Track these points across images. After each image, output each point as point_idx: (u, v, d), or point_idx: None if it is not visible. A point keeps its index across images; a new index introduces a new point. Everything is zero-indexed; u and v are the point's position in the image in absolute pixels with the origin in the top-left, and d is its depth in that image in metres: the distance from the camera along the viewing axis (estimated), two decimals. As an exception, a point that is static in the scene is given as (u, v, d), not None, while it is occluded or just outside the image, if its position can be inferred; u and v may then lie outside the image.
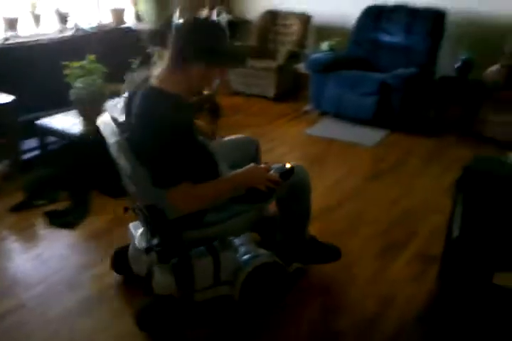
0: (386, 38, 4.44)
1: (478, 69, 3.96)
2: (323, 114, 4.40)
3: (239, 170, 1.77)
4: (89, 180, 2.99)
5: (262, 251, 2.01)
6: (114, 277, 2.20)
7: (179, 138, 1.60)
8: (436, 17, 4.20)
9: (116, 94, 3.35)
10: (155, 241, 1.79)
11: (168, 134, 1.58)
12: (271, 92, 4.80)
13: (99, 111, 3.03)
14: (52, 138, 3.19)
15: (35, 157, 3.20)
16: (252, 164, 1.80)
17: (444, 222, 2.04)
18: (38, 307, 2.02)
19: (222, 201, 1.79)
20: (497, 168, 1.72)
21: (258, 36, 5.15)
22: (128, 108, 1.75)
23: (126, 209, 1.98)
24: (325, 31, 5.00)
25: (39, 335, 1.88)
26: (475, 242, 1.75)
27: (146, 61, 3.47)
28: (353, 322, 1.97)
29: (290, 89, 4.98)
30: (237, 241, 2.04)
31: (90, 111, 3.00)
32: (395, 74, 3.98)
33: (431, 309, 1.98)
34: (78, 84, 2.90)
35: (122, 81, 3.42)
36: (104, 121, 1.86)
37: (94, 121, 2.98)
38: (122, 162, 1.74)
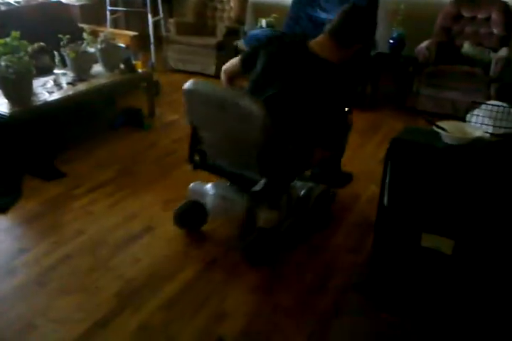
0: (322, 15, 4.46)
1: (410, 46, 4.08)
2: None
3: None
4: (20, 163, 2.85)
5: (311, 184, 2.44)
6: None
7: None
8: (370, -7, 4.26)
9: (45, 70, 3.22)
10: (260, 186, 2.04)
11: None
12: (211, 69, 4.72)
13: (25, 90, 2.89)
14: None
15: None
16: None
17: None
18: (-30, 296, 1.92)
19: None
20: (423, 138, 1.79)
21: (195, 12, 5.03)
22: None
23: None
24: (263, 7, 4.96)
25: (-29, 324, 1.80)
26: (402, 209, 1.84)
27: (77, 37, 3.36)
28: (294, 294, 2.01)
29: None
30: None
31: (17, 91, 2.84)
32: (331, 51, 4.02)
33: (366, 276, 2.07)
34: (2, 62, 2.72)
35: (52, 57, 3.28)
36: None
37: (22, 101, 2.86)
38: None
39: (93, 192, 2.70)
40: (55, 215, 2.49)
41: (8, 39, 2.78)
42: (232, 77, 2.24)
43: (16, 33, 2.81)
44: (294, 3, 4.56)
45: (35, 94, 2.95)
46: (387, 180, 1.81)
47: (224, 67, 2.24)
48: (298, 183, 2.40)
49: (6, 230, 2.39)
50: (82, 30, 3.54)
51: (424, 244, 1.80)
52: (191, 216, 2.38)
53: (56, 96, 3.01)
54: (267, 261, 2.20)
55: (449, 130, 1.72)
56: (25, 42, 2.84)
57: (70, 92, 3.10)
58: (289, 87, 1.97)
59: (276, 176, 2.06)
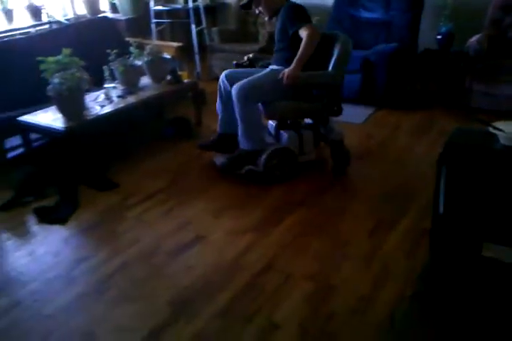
0: (365, 14, 4.40)
1: (460, 41, 3.94)
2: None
3: None
4: (76, 175, 2.96)
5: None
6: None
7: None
8: (414, -11, 4.15)
9: (96, 86, 3.33)
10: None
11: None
12: (254, 76, 4.73)
13: (78, 105, 3.00)
14: (35, 135, 3.14)
15: (20, 155, 3.16)
16: None
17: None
18: (33, 305, 2.00)
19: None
20: (478, 140, 1.70)
21: (237, 19, 5.08)
22: None
23: None
24: (304, 11, 4.92)
25: (37, 332, 1.86)
26: (460, 217, 1.75)
27: (125, 51, 3.46)
28: (345, 301, 1.97)
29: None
30: None
31: (70, 106, 2.96)
32: (376, 51, 3.95)
33: (424, 284, 1.99)
34: (55, 79, 2.84)
35: (101, 72, 3.39)
36: None
37: (75, 115, 2.98)
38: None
39: (145, 202, 2.76)
40: (110, 224, 2.56)
41: (60, 56, 2.90)
42: None
43: (67, 50, 2.92)
44: (336, 5, 4.52)
45: (87, 109, 3.06)
46: (441, 187, 1.73)
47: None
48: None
49: (65, 240, 2.48)
50: (129, 43, 3.65)
51: (485, 253, 1.71)
52: None
53: (107, 109, 3.11)
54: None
55: (507, 130, 1.63)
56: (76, 58, 2.94)
57: (121, 105, 3.20)
58: None
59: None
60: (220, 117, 3.13)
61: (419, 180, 2.88)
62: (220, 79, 3.07)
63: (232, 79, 2.96)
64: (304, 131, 3.00)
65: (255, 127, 2.87)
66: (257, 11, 3.01)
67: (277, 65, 2.94)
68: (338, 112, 2.96)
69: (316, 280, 2.10)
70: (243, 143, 2.89)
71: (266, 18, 3.10)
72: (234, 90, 2.78)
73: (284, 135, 2.97)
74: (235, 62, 3.26)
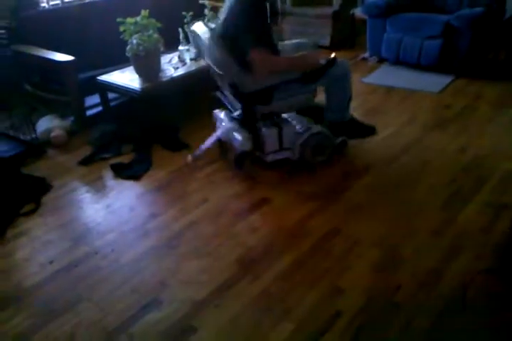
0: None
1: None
2: (382, 61, 4.21)
3: (303, 52, 2.57)
4: (150, 134, 3.06)
5: (314, 125, 2.64)
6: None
7: (262, 14, 2.43)
8: None
9: (171, 48, 3.38)
10: (237, 113, 2.62)
11: (256, 11, 2.37)
12: (327, 40, 4.62)
13: (155, 66, 3.06)
14: (112, 94, 3.26)
15: (99, 113, 3.30)
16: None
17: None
18: (110, 255, 2.14)
19: (283, 77, 2.46)
20: None
21: (311, -18, 4.91)
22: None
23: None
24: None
25: (112, 279, 2.00)
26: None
27: (199, 13, 3.46)
28: (414, 273, 1.94)
29: (346, 36, 4.77)
30: (294, 120, 2.70)
31: (147, 67, 3.02)
32: (460, 15, 3.70)
33: (501, 259, 1.91)
34: (134, 40, 2.90)
35: (177, 34, 3.42)
36: (199, 29, 2.68)
37: (151, 77, 3.05)
38: (215, 54, 2.49)
39: (214, 163, 2.82)
40: (181, 184, 2.65)
41: (138, 18, 2.94)
42: None
43: (145, 12, 2.95)
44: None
45: (162, 70, 3.12)
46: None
47: None
48: (301, 124, 2.65)
49: (139, 196, 2.60)
50: (203, 6, 3.63)
51: None
52: None
53: (181, 71, 3.16)
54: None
55: None
56: (153, 20, 2.98)
57: (193, 68, 3.23)
58: None
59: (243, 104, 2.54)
60: None
61: (498, 153, 2.74)
62: None
63: None
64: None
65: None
66: None
67: None
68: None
69: (384, 249, 2.08)
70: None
71: None
72: (345, 64, 2.69)
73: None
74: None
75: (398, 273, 1.95)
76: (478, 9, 3.75)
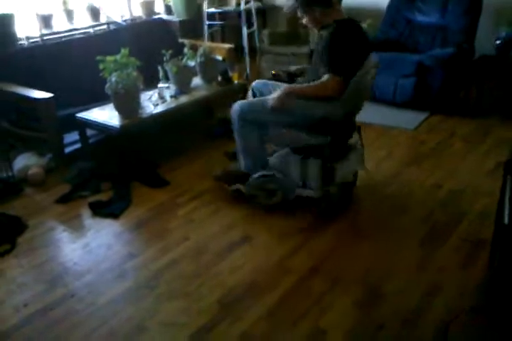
0: (421, 18, 4.31)
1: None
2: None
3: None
4: (129, 171, 3.04)
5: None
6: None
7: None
8: (473, -7, 4.04)
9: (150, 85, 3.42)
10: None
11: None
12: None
13: (135, 103, 3.08)
14: (91, 132, 3.25)
15: (77, 150, 3.27)
16: None
17: (491, 205, 1.99)
18: (87, 296, 2.07)
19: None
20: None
21: (288, 22, 5.09)
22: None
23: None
24: (356, 13, 4.86)
25: (88, 324, 1.92)
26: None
27: (178, 51, 3.53)
28: (395, 311, 1.93)
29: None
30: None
31: (126, 104, 3.04)
32: (431, 55, 3.86)
33: (483, 298, 1.92)
34: (113, 78, 2.93)
35: (155, 72, 3.47)
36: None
37: (131, 114, 3.06)
38: None
39: (194, 200, 2.81)
40: (160, 222, 2.62)
41: (118, 56, 2.98)
42: None
43: (125, 51, 2.99)
44: (390, 7, 4.45)
45: (142, 107, 3.14)
46: (506, 196, 1.68)
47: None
48: None
49: (117, 235, 2.55)
50: (183, 45, 3.71)
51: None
52: None
53: (161, 108, 3.18)
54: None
55: None
56: (133, 59, 3.02)
57: (173, 105, 3.26)
58: None
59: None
60: None
61: (473, 188, 2.80)
62: (249, 92, 2.88)
63: (259, 91, 2.80)
64: (313, 161, 2.54)
65: (251, 150, 2.63)
66: (302, 20, 2.61)
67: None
68: (337, 156, 2.53)
69: (365, 286, 2.07)
70: (240, 164, 2.72)
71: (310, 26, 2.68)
72: (233, 108, 2.60)
73: (290, 160, 2.63)
74: (273, 72, 2.95)
75: (380, 312, 1.93)
76: (449, 49, 3.92)
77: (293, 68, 2.89)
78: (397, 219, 2.57)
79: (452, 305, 1.93)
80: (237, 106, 2.60)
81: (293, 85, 2.56)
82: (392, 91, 3.98)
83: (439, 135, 3.57)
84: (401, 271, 2.16)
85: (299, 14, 2.57)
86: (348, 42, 2.40)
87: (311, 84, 2.46)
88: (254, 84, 2.88)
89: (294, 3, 2.56)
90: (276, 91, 2.53)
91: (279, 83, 2.79)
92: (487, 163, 3.09)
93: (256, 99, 2.71)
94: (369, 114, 4.02)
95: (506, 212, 1.68)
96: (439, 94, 3.89)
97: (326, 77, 2.38)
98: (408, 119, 3.85)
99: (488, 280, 1.98)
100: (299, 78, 2.82)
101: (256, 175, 2.61)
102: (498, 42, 3.98)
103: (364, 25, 4.54)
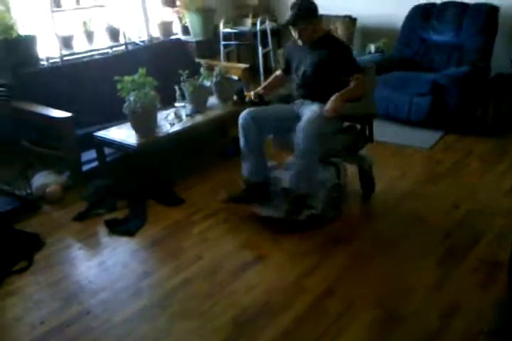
0: (436, 37, 4.33)
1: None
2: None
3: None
4: (145, 190, 3.07)
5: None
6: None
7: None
8: (488, 12, 4.06)
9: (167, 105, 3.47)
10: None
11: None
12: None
13: (151, 122, 3.13)
14: (109, 150, 3.30)
15: (94, 168, 3.32)
16: None
17: (509, 226, 1.95)
18: (102, 314, 2.08)
19: None
20: None
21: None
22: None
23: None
24: (371, 33, 4.93)
25: (106, 339, 1.93)
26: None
27: (195, 71, 3.59)
28: (413, 334, 1.90)
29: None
30: None
31: (143, 123, 3.09)
32: (447, 74, 3.86)
33: (502, 320, 1.88)
34: (131, 97, 2.98)
35: (173, 92, 3.53)
36: None
37: (147, 132, 3.11)
38: None
39: (209, 219, 2.82)
40: (175, 240, 2.63)
41: (135, 76, 3.04)
42: None
43: (143, 71, 3.06)
44: (405, 26, 4.48)
45: (158, 126, 3.19)
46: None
47: None
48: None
49: (132, 253, 2.57)
50: (199, 64, 3.78)
51: None
52: None
53: (177, 127, 3.23)
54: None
55: None
56: (150, 78, 3.08)
57: (189, 124, 3.30)
58: None
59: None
60: (247, 164, 2.80)
61: (491, 209, 2.76)
62: (245, 122, 2.72)
63: (259, 121, 2.72)
64: (339, 164, 2.82)
65: (317, 166, 2.66)
66: (294, 34, 2.70)
67: (312, 99, 2.76)
68: (371, 138, 2.92)
69: (381, 308, 2.04)
70: (298, 185, 2.63)
71: (300, 43, 2.74)
72: (306, 125, 2.54)
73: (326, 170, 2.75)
74: (248, 98, 2.96)
75: (398, 333, 1.90)
76: (464, 68, 3.92)
77: (254, 93, 2.95)
78: (413, 238, 2.54)
79: (470, 327, 1.89)
80: (307, 124, 2.55)
81: (339, 93, 2.60)
82: (407, 110, 3.97)
83: (455, 154, 3.54)
84: (418, 292, 2.13)
85: (298, 28, 2.66)
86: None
87: (350, 87, 2.63)
88: (250, 114, 2.74)
89: (294, 17, 2.64)
90: (330, 101, 2.57)
91: (272, 106, 2.95)
92: (504, 183, 3.05)
93: (308, 115, 2.61)
94: (383, 132, 4.03)
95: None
96: (454, 112, 3.86)
97: (356, 78, 2.63)
98: (423, 138, 3.83)
99: (506, 301, 1.94)
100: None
101: (327, 188, 2.70)
102: (513, 60, 3.97)
103: (379, 44, 4.60)
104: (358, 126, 2.90)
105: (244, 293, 2.18)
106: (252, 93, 2.96)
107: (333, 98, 2.58)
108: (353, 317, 2.00)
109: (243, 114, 2.77)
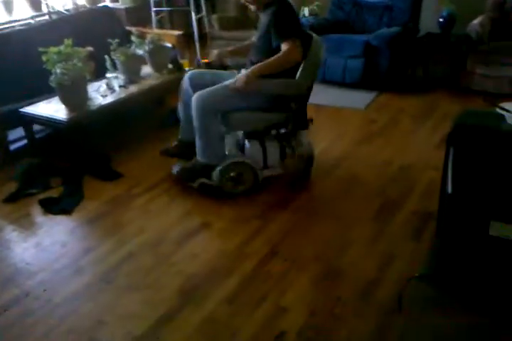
0: (366, -2, 4.35)
1: (461, 24, 3.90)
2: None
3: None
4: (80, 166, 2.97)
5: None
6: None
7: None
8: (415, -28, 4.11)
9: (98, 76, 3.33)
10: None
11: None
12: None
13: (81, 95, 3.00)
14: (38, 127, 3.15)
15: (24, 146, 3.16)
16: None
17: (439, 178, 2.05)
18: (42, 295, 2.02)
19: None
20: (485, 120, 1.71)
21: (236, 6, 5.04)
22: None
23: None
24: (304, -4, 4.89)
25: (45, 323, 1.89)
26: (468, 197, 1.76)
27: (126, 40, 3.44)
28: (353, 284, 1.99)
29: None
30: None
31: (73, 96, 2.95)
32: (378, 35, 3.92)
33: (431, 266, 2.00)
34: (58, 69, 2.83)
35: (103, 62, 3.38)
36: None
37: (78, 106, 2.98)
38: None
39: (149, 191, 2.78)
40: (116, 214, 2.58)
41: (61, 47, 2.88)
42: None
43: (68, 41, 2.89)
44: (337, -11, 4.46)
45: (90, 99, 3.06)
46: (449, 167, 1.74)
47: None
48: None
49: (71, 231, 2.50)
50: (130, 33, 3.62)
51: (492, 232, 1.71)
52: None
53: (110, 99, 3.11)
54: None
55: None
56: (78, 49, 2.92)
57: (123, 95, 3.19)
58: None
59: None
60: (181, 122, 2.89)
61: (422, 163, 2.89)
62: (183, 82, 2.80)
63: (196, 84, 2.72)
64: (270, 142, 2.67)
65: (213, 140, 2.60)
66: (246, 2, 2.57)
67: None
68: (304, 126, 2.67)
69: (322, 264, 2.12)
70: (199, 155, 2.64)
71: (252, 9, 2.61)
72: (194, 100, 2.53)
73: (247, 146, 2.67)
74: (200, 60, 2.92)
75: (338, 286, 1.99)
76: (394, 28, 3.99)
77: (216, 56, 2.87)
78: (351, 197, 2.63)
79: (405, 274, 1.99)
80: (196, 97, 2.52)
81: (257, 65, 2.46)
82: (342, 73, 4.02)
83: (388, 113, 3.65)
84: (356, 246, 2.23)
85: None
86: (292, 12, 2.49)
87: (274, 57, 2.40)
88: (189, 74, 2.81)
89: None
90: (240, 75, 2.47)
91: (221, 71, 2.81)
92: (434, 137, 3.18)
93: (213, 87, 2.57)
94: (319, 95, 4.07)
95: (449, 182, 1.75)
96: (387, 73, 3.96)
97: (284, 45, 2.39)
98: (358, 99, 3.91)
99: (434, 248, 2.06)
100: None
101: (226, 163, 2.59)
102: (440, 20, 4.08)
103: (313, 7, 4.58)
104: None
105: (189, 262, 2.19)
106: (215, 52, 2.87)
107: (247, 71, 2.45)
108: (296, 275, 2.07)
109: (186, 75, 2.82)
